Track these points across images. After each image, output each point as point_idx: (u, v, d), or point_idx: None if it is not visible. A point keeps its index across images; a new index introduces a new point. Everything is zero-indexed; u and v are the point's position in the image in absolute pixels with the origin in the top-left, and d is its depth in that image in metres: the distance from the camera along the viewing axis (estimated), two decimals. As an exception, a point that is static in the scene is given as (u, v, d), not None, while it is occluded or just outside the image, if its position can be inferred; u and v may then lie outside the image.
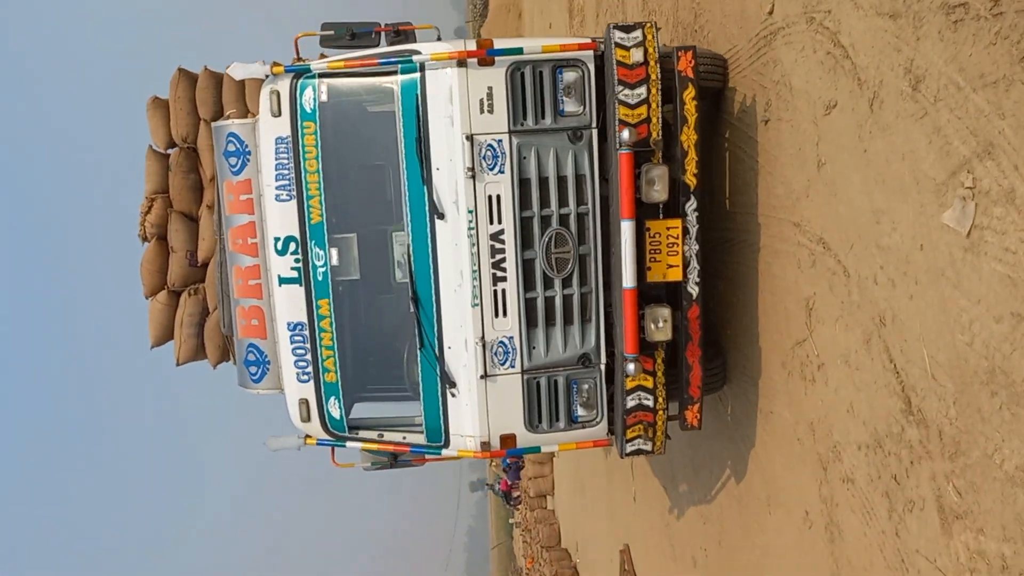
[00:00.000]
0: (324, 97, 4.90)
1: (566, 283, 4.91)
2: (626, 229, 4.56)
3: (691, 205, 4.74)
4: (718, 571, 6.42)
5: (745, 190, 5.27)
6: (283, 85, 4.90)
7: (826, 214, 4.18)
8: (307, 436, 5.38)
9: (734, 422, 5.79)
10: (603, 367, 5.05)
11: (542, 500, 23.55)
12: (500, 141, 4.69)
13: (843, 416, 4.10)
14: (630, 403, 4.89)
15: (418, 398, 5.20)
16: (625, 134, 4.48)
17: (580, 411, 5.09)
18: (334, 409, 5.30)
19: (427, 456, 5.48)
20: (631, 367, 4.72)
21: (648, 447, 5.04)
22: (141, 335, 8.50)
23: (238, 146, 5.22)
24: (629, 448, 5.00)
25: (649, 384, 4.87)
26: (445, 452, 5.16)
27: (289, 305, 5.19)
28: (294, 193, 5.03)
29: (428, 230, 4.91)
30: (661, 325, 4.72)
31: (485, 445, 5.02)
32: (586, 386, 5.06)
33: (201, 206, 7.94)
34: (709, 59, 5.27)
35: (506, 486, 29.59)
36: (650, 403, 4.89)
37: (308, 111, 4.88)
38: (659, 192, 4.57)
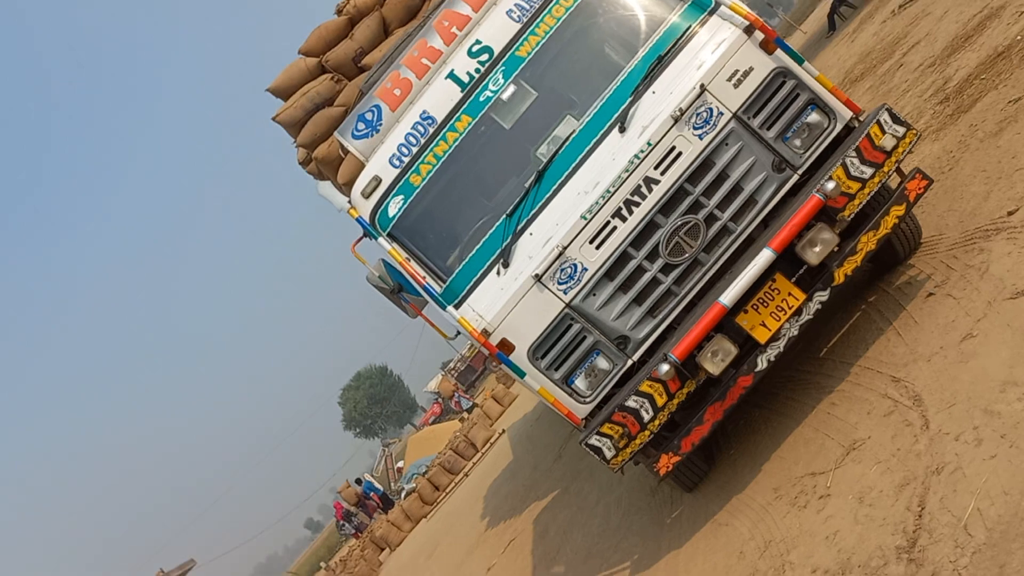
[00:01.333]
0: None
1: (666, 269, 4.73)
2: (763, 258, 4.41)
3: (821, 296, 4.57)
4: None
5: (855, 344, 5.08)
6: None
7: (941, 377, 3.98)
8: (352, 208, 5.20)
9: (673, 523, 5.43)
10: (632, 361, 4.80)
11: (379, 548, 22.48)
12: (721, 115, 4.64)
13: (818, 541, 3.78)
14: (630, 402, 4.61)
15: (463, 255, 5.01)
16: (830, 186, 4.38)
17: (579, 382, 4.82)
18: (393, 207, 5.13)
19: (425, 315, 5.25)
20: (664, 368, 4.47)
21: (609, 454, 4.72)
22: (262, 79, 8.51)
23: None
24: (593, 441, 4.69)
25: (660, 400, 4.60)
26: (449, 312, 4.91)
27: (438, 97, 5.11)
28: (524, 18, 5.02)
29: (600, 132, 4.83)
30: (719, 358, 4.49)
31: (487, 333, 4.77)
32: (603, 365, 4.81)
33: (400, 28, 8.05)
34: (913, 227, 5.19)
35: (340, 510, 28.69)
36: (646, 416, 4.60)
37: None
38: (813, 255, 4.43)
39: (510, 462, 15.24)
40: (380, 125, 5.33)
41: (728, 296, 4.42)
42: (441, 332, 5.34)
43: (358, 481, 32.34)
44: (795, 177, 4.72)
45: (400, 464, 44.52)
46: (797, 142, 4.69)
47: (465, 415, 31.37)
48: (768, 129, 4.67)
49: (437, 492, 21.42)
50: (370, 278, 5.33)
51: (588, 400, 4.86)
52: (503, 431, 19.82)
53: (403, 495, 23.13)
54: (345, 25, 8.22)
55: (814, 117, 4.68)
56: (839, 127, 4.69)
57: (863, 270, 4.78)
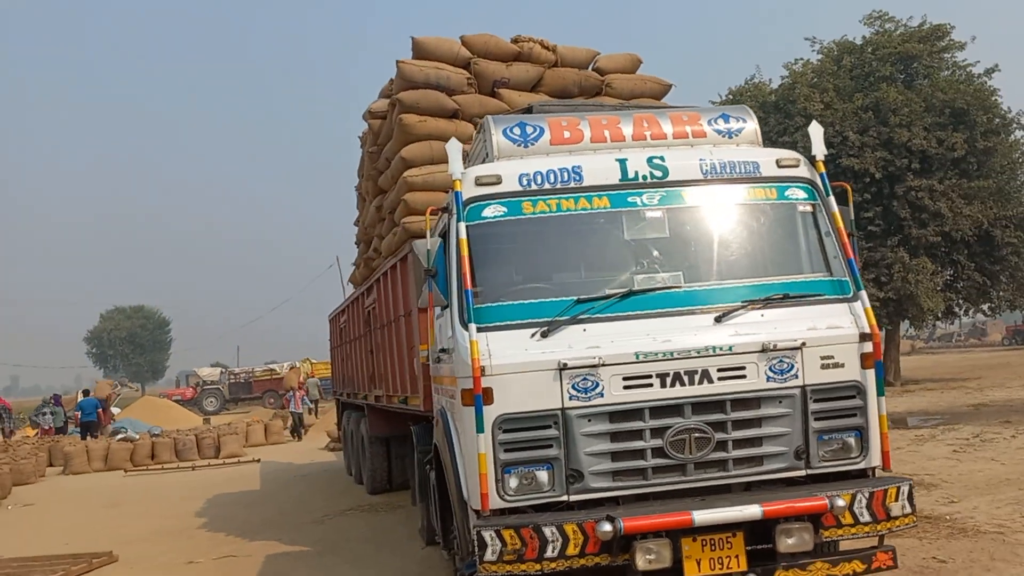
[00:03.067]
0: None
1: (657, 452, 4.64)
2: (750, 510, 4.37)
3: (752, 580, 4.55)
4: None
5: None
6: None
7: None
8: (459, 181, 5.04)
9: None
10: (565, 499, 4.60)
11: (51, 458, 20.16)
12: (796, 377, 4.73)
13: None
14: (547, 530, 4.35)
15: (515, 297, 4.89)
16: (839, 503, 4.47)
17: (512, 477, 4.59)
18: (491, 210, 5.00)
19: (433, 312, 5.00)
20: (605, 527, 4.26)
21: (489, 556, 4.36)
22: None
23: None
24: (486, 534, 4.37)
25: (572, 549, 4.34)
26: (468, 329, 4.65)
27: (597, 167, 5.11)
28: (709, 175, 5.15)
29: (698, 305, 4.86)
30: (652, 558, 4.33)
31: (483, 371, 4.52)
32: (542, 480, 4.60)
33: (546, 93, 8.17)
34: None
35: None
36: (549, 552, 4.32)
37: None
38: (784, 543, 4.43)
39: (255, 491, 14.19)
40: (531, 144, 5.28)
41: (701, 515, 4.35)
42: (424, 338, 5.06)
43: (86, 392, 29.64)
44: (802, 473, 4.81)
45: (117, 410, 41.27)
46: (826, 450, 4.82)
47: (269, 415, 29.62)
48: (815, 421, 4.80)
49: (151, 460, 19.70)
50: (418, 246, 5.06)
51: (504, 497, 4.59)
52: (258, 460, 18.61)
53: (118, 437, 21.09)
54: (511, 54, 8.32)
55: (852, 442, 4.85)
56: (862, 465, 4.86)
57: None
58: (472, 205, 4.99)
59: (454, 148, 5.14)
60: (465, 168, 5.16)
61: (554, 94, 8.37)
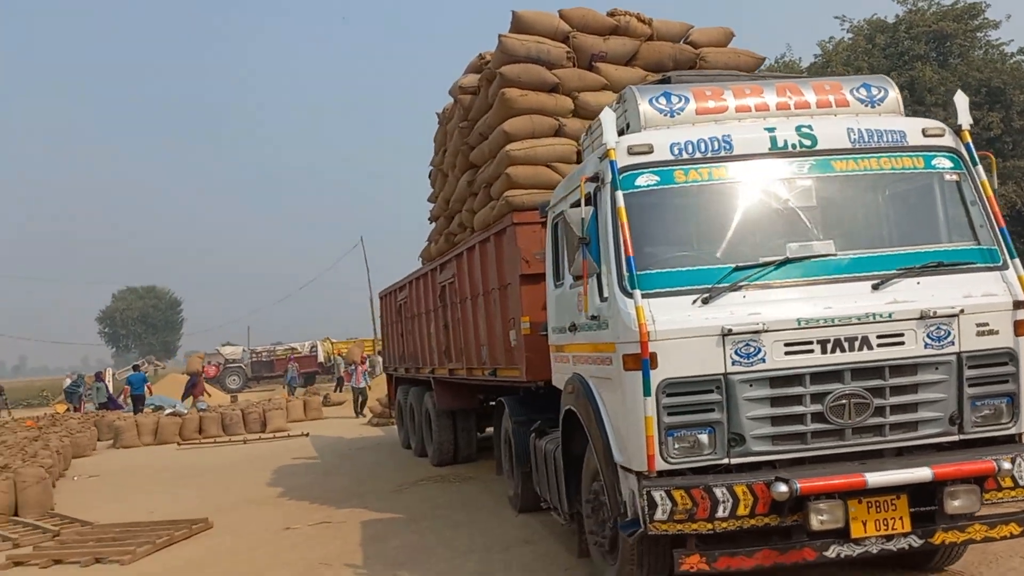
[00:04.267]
0: None
1: (816, 417, 4.72)
2: (920, 473, 4.50)
3: (914, 541, 4.66)
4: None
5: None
6: None
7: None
8: (612, 150, 5.10)
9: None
10: (726, 462, 4.71)
11: (101, 433, 20.42)
12: (952, 344, 4.79)
13: None
14: (717, 490, 4.49)
15: (675, 264, 4.98)
16: (1006, 466, 4.58)
17: (674, 440, 4.68)
18: (644, 179, 5.06)
19: (587, 280, 5.09)
20: (781, 488, 4.39)
21: (659, 515, 4.53)
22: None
23: None
24: (656, 494, 4.53)
25: (742, 509, 4.48)
26: (633, 296, 4.74)
27: (746, 137, 5.16)
28: (858, 144, 5.19)
29: (853, 274, 4.92)
30: (825, 518, 4.45)
31: (651, 337, 4.61)
32: (704, 442, 4.70)
33: (642, 68, 8.18)
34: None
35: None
36: (720, 512, 4.47)
37: None
38: (950, 505, 4.55)
39: (318, 463, 14.37)
40: (677, 114, 5.33)
41: (874, 477, 4.45)
42: (585, 299, 5.14)
43: (135, 367, 30.08)
44: (955, 438, 4.89)
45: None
46: (978, 416, 4.90)
47: (298, 393, 29.87)
48: (970, 387, 4.87)
49: (199, 434, 19.93)
50: (571, 215, 5.11)
51: (668, 459, 4.70)
52: (306, 434, 18.81)
53: (167, 410, 21.33)
54: (608, 27, 8.33)
55: (1003, 408, 4.92)
56: (1012, 431, 4.95)
57: (948, 551, 4.89)
58: (625, 174, 5.06)
59: (608, 118, 5.20)
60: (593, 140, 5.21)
61: (649, 68, 8.39)
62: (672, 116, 5.34)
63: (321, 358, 51.24)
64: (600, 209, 5.14)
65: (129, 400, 25.75)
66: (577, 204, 5.46)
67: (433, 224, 11.56)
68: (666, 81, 5.78)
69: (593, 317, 5.25)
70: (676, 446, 4.72)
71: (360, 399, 22.62)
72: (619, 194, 4.96)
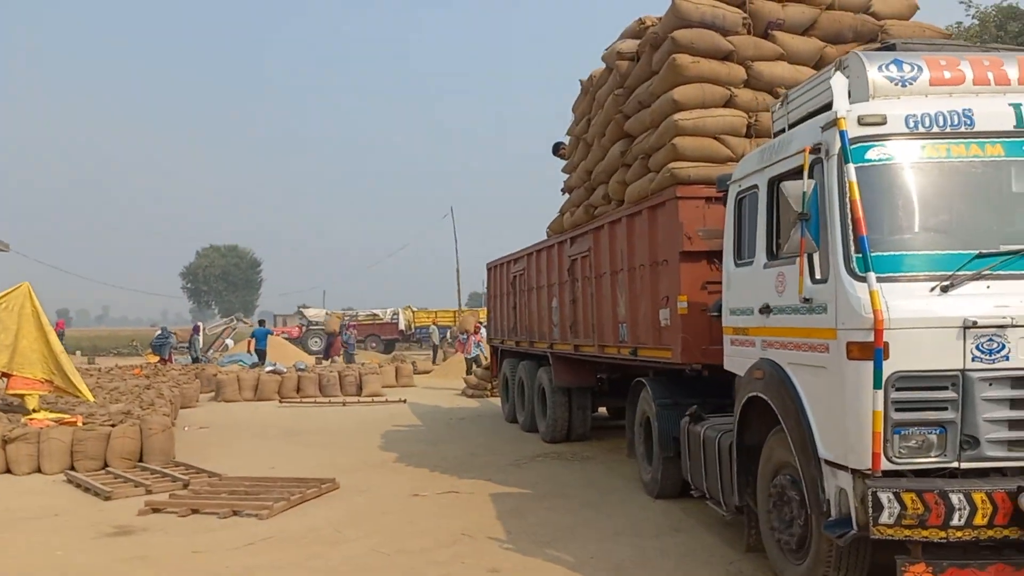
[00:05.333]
0: None
1: (1060, 424, 4.29)
2: None
3: None
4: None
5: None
6: None
7: None
8: (842, 119, 4.69)
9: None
10: (956, 466, 4.31)
11: (205, 388, 20.86)
12: None
13: None
14: (954, 497, 4.13)
15: (909, 247, 4.58)
16: None
17: (900, 438, 4.31)
18: (875, 152, 4.67)
19: (804, 257, 4.72)
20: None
21: (885, 519, 4.19)
22: None
23: None
24: (884, 496, 4.18)
25: (979, 519, 4.12)
26: (867, 280, 4.35)
27: (989, 111, 4.71)
28: None
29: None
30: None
31: (886, 325, 4.23)
32: (933, 442, 4.32)
33: (818, 38, 7.70)
34: None
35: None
36: (955, 521, 4.12)
37: None
38: None
39: (423, 430, 14.35)
40: (909, 84, 4.88)
41: None
42: (800, 280, 4.78)
43: (261, 322, 31.24)
44: None
45: (231, 343, 43.06)
46: None
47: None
48: None
49: (296, 392, 20.20)
50: (791, 188, 4.73)
51: (892, 459, 4.32)
52: (404, 400, 18.89)
53: (267, 368, 21.71)
54: (787, -6, 7.84)
55: None
56: None
57: None
58: (855, 147, 4.65)
59: (839, 83, 4.81)
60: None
61: (827, 38, 7.88)
62: (904, 86, 4.89)
63: (402, 326, 51.85)
64: (826, 183, 4.74)
65: (254, 352, 26.99)
66: (788, 176, 5.10)
67: (567, 195, 11.26)
68: (890, 48, 5.31)
69: (805, 300, 4.87)
70: (902, 445, 4.35)
71: (473, 367, 22.22)
72: (851, 167, 4.56)
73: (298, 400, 19.45)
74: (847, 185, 4.54)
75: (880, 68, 4.92)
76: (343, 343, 35.64)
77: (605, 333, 9.54)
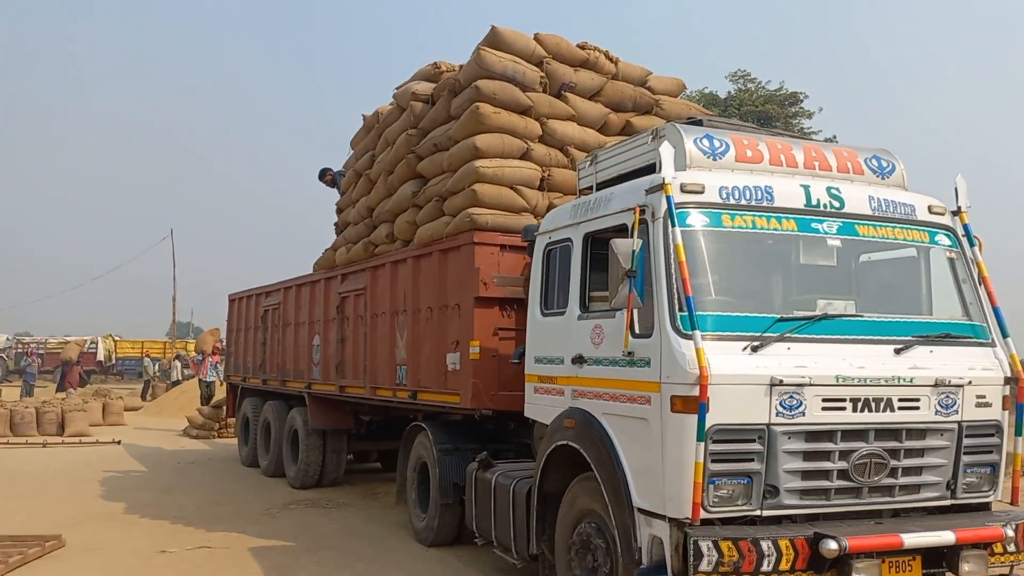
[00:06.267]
0: None
1: (841, 474, 4.80)
2: (945, 536, 4.66)
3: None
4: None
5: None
6: None
7: None
8: (668, 185, 4.97)
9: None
10: (757, 514, 4.66)
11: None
12: (956, 412, 5.06)
13: None
14: (764, 544, 4.42)
15: (725, 308, 4.91)
16: (1009, 532, 4.87)
17: (714, 488, 4.59)
18: (695, 219, 5.00)
19: (631, 311, 4.92)
20: (831, 545, 4.34)
21: (704, 567, 4.38)
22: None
23: None
24: (703, 544, 4.37)
25: (784, 564, 4.42)
26: (692, 338, 4.60)
27: (784, 190, 5.20)
28: (878, 212, 5.39)
29: (875, 336, 5.07)
30: (864, 577, 4.49)
31: (708, 380, 4.50)
32: (740, 493, 4.65)
33: (607, 110, 8.19)
34: None
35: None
36: (764, 567, 4.40)
37: None
38: (964, 569, 4.72)
39: (147, 475, 12.94)
40: (719, 158, 5.31)
41: (910, 539, 4.56)
42: (626, 334, 4.93)
43: None
44: (948, 503, 5.15)
45: None
46: (966, 482, 5.19)
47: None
48: (965, 455, 5.16)
49: (-19, 431, 17.44)
50: (620, 245, 4.86)
51: (707, 508, 4.58)
52: (118, 441, 16.98)
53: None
54: (579, 59, 8.28)
55: (986, 477, 5.26)
56: (990, 499, 5.30)
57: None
58: (678, 211, 4.95)
59: (667, 151, 5.08)
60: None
61: (611, 106, 8.40)
62: (714, 159, 5.32)
63: (101, 356, 47.02)
64: (652, 243, 4.98)
65: None
66: (607, 233, 5.32)
67: (339, 229, 10.87)
68: (697, 123, 5.77)
69: (628, 353, 5.05)
70: (715, 494, 4.61)
71: (208, 394, 20.35)
72: (677, 231, 4.84)
73: (-12, 440, 16.73)
74: (673, 247, 4.81)
75: (696, 141, 5.32)
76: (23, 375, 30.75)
77: (379, 375, 9.26)
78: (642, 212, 5.08)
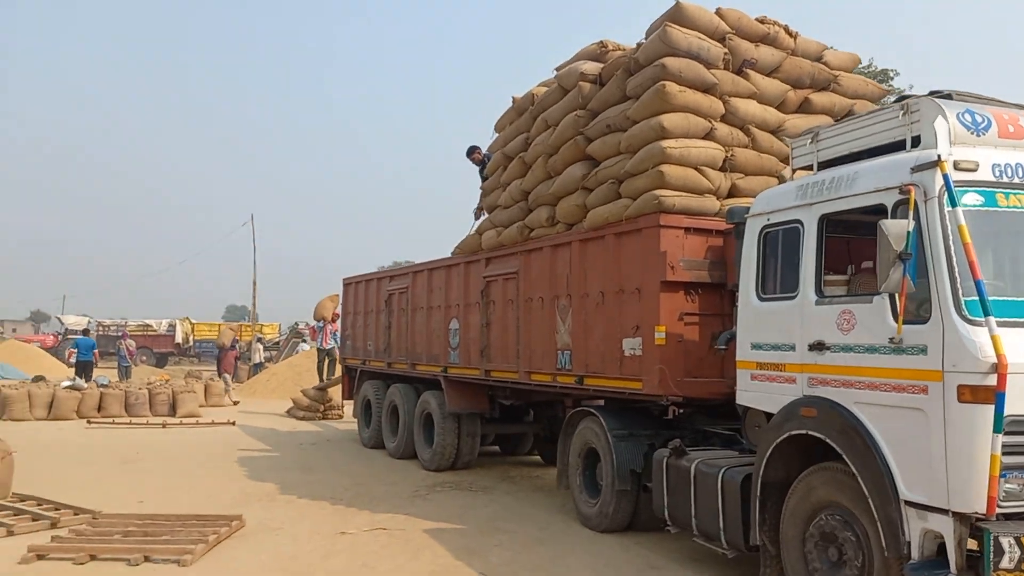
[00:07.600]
0: None
1: None
2: None
3: None
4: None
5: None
6: None
7: None
8: (944, 163, 4.73)
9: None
10: None
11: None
12: None
13: None
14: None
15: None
16: None
17: (1008, 480, 4.37)
18: (970, 198, 4.76)
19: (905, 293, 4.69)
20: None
21: (1006, 563, 4.21)
22: None
23: None
24: (1005, 540, 4.21)
25: None
26: (986, 324, 4.39)
27: None
28: None
29: None
30: None
31: (1013, 370, 4.28)
32: None
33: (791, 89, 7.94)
34: None
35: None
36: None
37: None
38: None
39: (278, 457, 13.07)
40: (982, 134, 5.04)
41: None
42: (899, 320, 4.70)
43: (86, 332, 27.18)
44: None
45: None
46: None
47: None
48: None
49: (97, 412, 17.90)
50: (891, 227, 4.62)
51: (1001, 501, 4.36)
52: (233, 422, 17.25)
53: (63, 384, 18.95)
54: (759, 34, 8.02)
55: None
56: None
57: None
58: (955, 190, 4.70)
59: (941, 126, 4.84)
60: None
61: (789, 82, 8.12)
62: (978, 135, 5.05)
63: (179, 338, 48.05)
64: (927, 225, 4.74)
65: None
66: (850, 214, 5.09)
67: (483, 214, 10.79)
68: (947, 97, 5.49)
69: (894, 340, 4.83)
70: (1005, 488, 4.39)
71: (328, 361, 20.23)
72: (959, 211, 4.60)
73: (109, 421, 17.13)
74: (954, 228, 4.57)
75: (958, 115, 5.05)
76: (117, 356, 31.52)
77: (535, 359, 9.16)
78: (904, 192, 4.84)
